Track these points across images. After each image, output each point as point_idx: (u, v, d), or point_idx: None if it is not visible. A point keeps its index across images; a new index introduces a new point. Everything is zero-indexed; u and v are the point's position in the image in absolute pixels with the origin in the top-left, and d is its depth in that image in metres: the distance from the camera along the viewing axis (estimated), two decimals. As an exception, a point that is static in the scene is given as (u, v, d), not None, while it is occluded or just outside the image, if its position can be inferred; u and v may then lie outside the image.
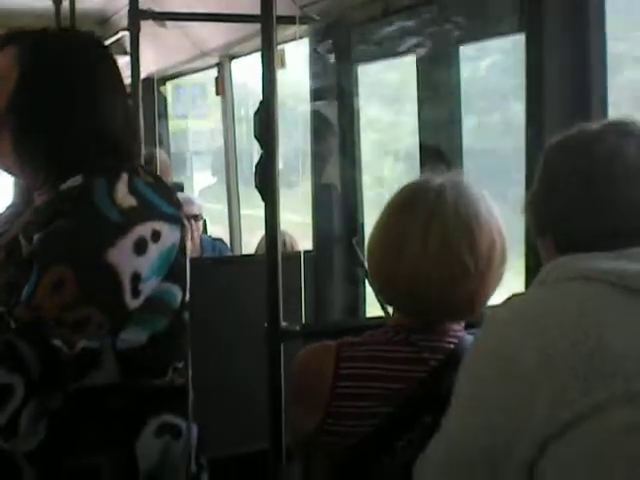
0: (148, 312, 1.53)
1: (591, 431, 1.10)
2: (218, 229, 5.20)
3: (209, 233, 4.84)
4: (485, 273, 1.54)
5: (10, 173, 1.66)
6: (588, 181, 1.25)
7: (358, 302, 3.56)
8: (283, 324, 1.80)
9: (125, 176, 1.51)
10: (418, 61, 2.97)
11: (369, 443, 1.54)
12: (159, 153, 4.12)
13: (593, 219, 1.25)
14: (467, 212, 1.54)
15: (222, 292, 3.32)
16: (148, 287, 1.50)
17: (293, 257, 3.00)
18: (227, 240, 4.87)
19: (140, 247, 1.47)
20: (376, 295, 1.67)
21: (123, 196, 1.48)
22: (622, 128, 1.29)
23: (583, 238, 1.24)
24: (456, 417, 1.24)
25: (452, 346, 1.58)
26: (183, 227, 1.57)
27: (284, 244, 3.49)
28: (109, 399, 1.53)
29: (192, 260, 1.70)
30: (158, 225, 1.50)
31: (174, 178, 5.22)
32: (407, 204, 1.58)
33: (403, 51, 3.08)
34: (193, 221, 4.30)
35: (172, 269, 1.55)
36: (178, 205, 1.58)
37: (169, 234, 1.52)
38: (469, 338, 1.58)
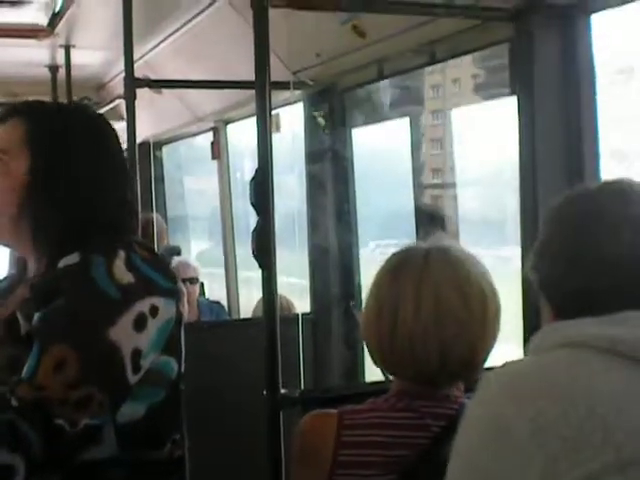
0: (146, 385, 1.52)
1: None
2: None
3: (207, 296, 4.83)
4: (480, 327, 1.56)
5: (7, 246, 1.67)
6: (569, 245, 1.24)
7: (357, 364, 3.54)
8: (282, 391, 1.79)
9: (122, 253, 1.51)
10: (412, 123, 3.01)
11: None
12: (155, 218, 4.13)
13: (575, 282, 1.23)
14: (455, 270, 1.58)
15: (220, 356, 3.30)
16: (148, 362, 1.50)
17: (291, 319, 2.99)
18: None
19: (140, 324, 1.47)
20: (375, 364, 1.66)
21: (121, 273, 1.48)
22: (617, 189, 1.26)
23: (569, 302, 1.23)
24: None
25: (453, 412, 1.57)
26: (179, 300, 1.57)
27: (281, 307, 3.47)
28: (107, 473, 1.51)
29: (189, 324, 1.69)
30: (156, 300, 1.50)
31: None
32: (397, 269, 1.61)
33: (397, 114, 3.12)
34: (189, 284, 4.30)
35: (168, 342, 1.55)
36: (173, 278, 1.58)
37: (166, 309, 1.52)
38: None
